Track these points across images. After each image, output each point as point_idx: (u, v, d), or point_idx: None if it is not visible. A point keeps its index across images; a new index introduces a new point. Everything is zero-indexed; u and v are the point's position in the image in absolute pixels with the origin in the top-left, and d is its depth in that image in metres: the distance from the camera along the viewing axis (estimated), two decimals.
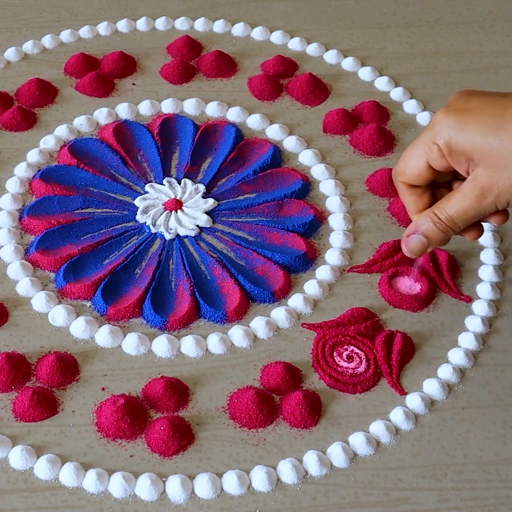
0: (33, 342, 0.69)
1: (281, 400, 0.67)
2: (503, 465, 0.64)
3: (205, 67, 0.90)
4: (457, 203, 0.62)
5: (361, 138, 0.84)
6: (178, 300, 0.72)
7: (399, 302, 0.73)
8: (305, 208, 0.79)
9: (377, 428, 0.65)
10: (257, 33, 0.95)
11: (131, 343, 0.69)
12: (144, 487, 0.61)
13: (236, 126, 0.85)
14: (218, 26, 0.95)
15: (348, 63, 0.92)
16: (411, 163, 0.64)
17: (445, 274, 0.74)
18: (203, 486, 0.62)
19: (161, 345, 0.69)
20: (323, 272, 0.75)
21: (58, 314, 0.70)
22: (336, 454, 0.64)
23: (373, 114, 0.87)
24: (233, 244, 0.76)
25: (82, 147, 0.82)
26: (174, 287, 0.73)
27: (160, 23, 0.95)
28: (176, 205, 0.78)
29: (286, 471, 0.63)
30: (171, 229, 0.77)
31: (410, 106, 0.88)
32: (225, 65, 0.90)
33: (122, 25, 0.94)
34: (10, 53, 0.91)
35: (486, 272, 0.75)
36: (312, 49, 0.93)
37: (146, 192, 0.79)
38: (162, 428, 0.63)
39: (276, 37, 0.94)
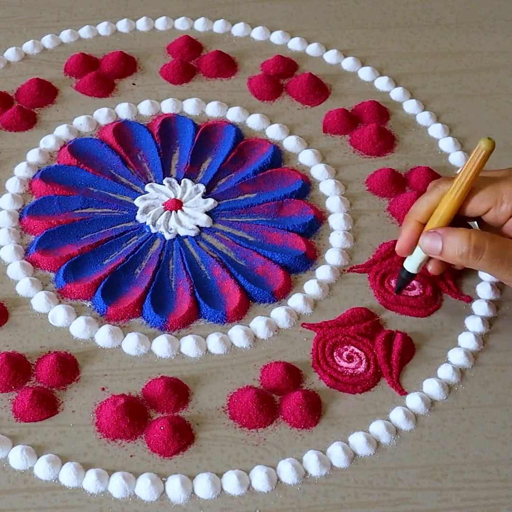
0: (33, 342, 0.69)
1: (281, 400, 0.67)
2: (503, 465, 0.64)
3: (205, 67, 0.90)
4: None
5: (361, 138, 0.84)
6: (178, 300, 0.72)
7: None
8: (305, 208, 0.79)
9: (377, 428, 0.65)
10: (257, 33, 0.94)
11: (131, 343, 0.69)
12: (144, 487, 0.61)
13: (236, 126, 0.85)
14: (218, 26, 0.95)
15: (348, 63, 0.92)
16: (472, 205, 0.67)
17: (445, 274, 0.74)
18: (203, 486, 0.62)
19: (161, 345, 0.69)
20: (323, 272, 0.75)
21: (58, 314, 0.70)
22: (336, 454, 0.64)
23: (373, 114, 0.86)
24: (233, 244, 0.76)
25: (82, 147, 0.82)
26: (174, 287, 0.73)
27: (160, 23, 0.95)
28: (176, 205, 0.78)
29: (286, 471, 0.63)
30: (171, 229, 0.77)
31: (410, 106, 0.88)
32: (225, 65, 0.90)
33: (122, 25, 0.94)
34: (10, 53, 0.91)
35: None
36: (312, 49, 0.93)
37: (146, 192, 0.79)
38: (162, 428, 0.63)
39: (276, 37, 0.94)
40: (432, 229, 0.67)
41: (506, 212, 0.66)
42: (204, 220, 0.77)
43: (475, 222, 0.70)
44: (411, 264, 0.70)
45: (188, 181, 0.80)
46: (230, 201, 0.79)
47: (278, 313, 0.71)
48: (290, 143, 0.84)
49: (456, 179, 0.66)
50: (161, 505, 0.61)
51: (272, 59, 0.91)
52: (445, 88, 0.91)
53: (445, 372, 0.69)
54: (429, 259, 0.69)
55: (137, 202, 0.78)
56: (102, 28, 0.94)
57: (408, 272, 0.70)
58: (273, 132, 0.85)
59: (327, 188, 0.81)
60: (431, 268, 0.71)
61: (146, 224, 0.77)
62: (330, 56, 0.93)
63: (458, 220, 0.68)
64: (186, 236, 0.77)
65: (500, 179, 0.67)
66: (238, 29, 0.95)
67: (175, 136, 0.84)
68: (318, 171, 0.82)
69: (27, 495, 0.61)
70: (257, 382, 0.68)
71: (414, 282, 0.74)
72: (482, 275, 0.75)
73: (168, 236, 0.76)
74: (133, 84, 0.89)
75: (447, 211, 0.67)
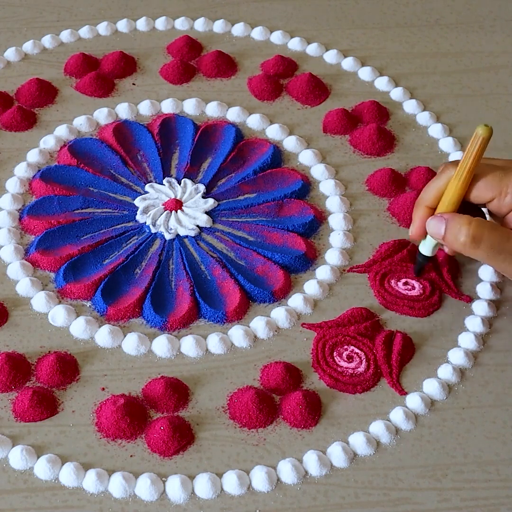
0: (33, 342, 0.69)
1: (281, 400, 0.66)
2: (503, 465, 0.64)
3: (205, 67, 0.90)
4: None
5: (361, 138, 0.84)
6: (178, 300, 0.72)
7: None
8: (305, 208, 0.79)
9: (377, 428, 0.65)
10: (257, 33, 0.95)
11: (131, 343, 0.69)
12: (144, 487, 0.61)
13: (236, 126, 0.85)
14: (218, 26, 0.95)
15: (348, 63, 0.92)
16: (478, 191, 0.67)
17: (445, 274, 0.74)
18: (203, 486, 0.62)
19: (161, 345, 0.69)
20: (323, 272, 0.75)
21: (58, 314, 0.70)
22: (336, 454, 0.64)
23: (373, 114, 0.87)
24: (233, 244, 0.76)
25: (82, 147, 0.82)
26: (174, 287, 0.73)
27: (160, 23, 0.95)
28: (176, 205, 0.78)
29: (286, 471, 0.63)
30: (171, 229, 0.77)
31: (410, 106, 0.88)
32: (225, 65, 0.90)
33: (122, 25, 0.94)
34: (10, 53, 0.91)
35: (486, 272, 0.75)
36: (312, 49, 0.93)
37: (146, 192, 0.79)
38: (162, 428, 0.63)
39: (276, 37, 0.94)
40: (439, 214, 0.67)
41: (510, 203, 0.66)
42: (204, 220, 0.77)
43: (486, 209, 0.70)
44: (425, 248, 0.71)
45: (188, 181, 0.80)
46: (230, 201, 0.79)
47: (278, 313, 0.71)
48: (290, 143, 0.84)
49: (459, 165, 0.66)
50: (161, 505, 0.61)
51: (272, 59, 0.91)
52: (445, 88, 0.91)
53: (445, 372, 0.69)
54: None
55: (137, 202, 0.78)
56: (102, 28, 0.94)
57: (424, 256, 0.71)
58: (273, 132, 0.85)
59: (327, 188, 0.81)
60: (447, 249, 0.71)
61: (146, 224, 0.77)
62: (330, 56, 0.93)
63: (471, 206, 0.69)
64: (186, 236, 0.77)
65: (508, 169, 0.67)
66: (238, 29, 0.95)
67: (175, 136, 0.84)
68: (318, 171, 0.82)
69: (27, 495, 0.61)
70: (257, 382, 0.68)
71: (414, 282, 0.74)
72: (482, 275, 0.75)
73: (168, 236, 0.76)
74: (133, 84, 0.89)
75: (453, 196, 0.67)
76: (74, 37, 0.93)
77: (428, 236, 0.70)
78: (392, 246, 0.76)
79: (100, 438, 0.64)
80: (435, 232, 0.67)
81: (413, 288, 0.73)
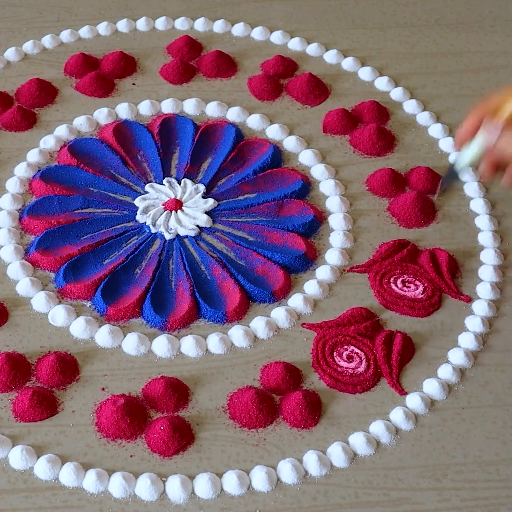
0: (33, 342, 0.69)
1: (281, 400, 0.66)
2: (503, 465, 0.64)
3: (205, 67, 0.90)
4: None
5: (361, 138, 0.84)
6: (178, 300, 0.72)
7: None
8: (305, 208, 0.79)
9: (377, 428, 0.65)
10: (257, 33, 0.95)
11: (131, 343, 0.69)
12: (144, 487, 0.61)
13: (236, 126, 0.85)
14: (218, 26, 0.95)
15: (348, 63, 0.92)
16: None
17: (445, 274, 0.74)
18: (203, 486, 0.62)
19: (161, 345, 0.69)
20: (323, 272, 0.75)
21: (58, 314, 0.70)
22: (336, 454, 0.64)
23: (373, 114, 0.87)
24: (233, 244, 0.76)
25: (82, 147, 0.82)
26: (174, 287, 0.73)
27: (160, 23, 0.95)
28: (176, 205, 0.78)
29: (286, 471, 0.63)
30: (171, 229, 0.77)
31: (410, 106, 0.88)
32: (225, 65, 0.90)
33: (122, 25, 0.94)
34: (10, 53, 0.91)
35: (486, 272, 0.75)
36: (312, 49, 0.93)
37: (146, 192, 0.79)
38: (162, 428, 0.63)
39: (276, 37, 0.94)
40: (496, 121, 0.67)
41: None
42: (204, 220, 0.77)
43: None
44: (463, 158, 0.70)
45: (188, 181, 0.80)
46: (230, 201, 0.79)
47: (278, 313, 0.71)
48: (290, 143, 0.84)
49: None
50: (161, 505, 0.61)
51: (272, 59, 0.91)
52: (445, 88, 0.91)
53: (445, 372, 0.69)
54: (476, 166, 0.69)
55: (137, 202, 0.78)
56: (102, 28, 0.94)
57: (455, 171, 0.71)
58: (273, 132, 0.85)
59: (327, 188, 0.81)
60: (482, 168, 0.70)
61: (146, 224, 0.77)
62: (330, 56, 0.93)
63: None
64: (186, 236, 0.77)
65: None
66: (238, 29, 0.95)
67: (175, 136, 0.84)
68: (318, 171, 0.82)
69: (27, 495, 0.61)
70: (257, 382, 0.68)
71: (417, 282, 0.74)
72: (482, 275, 0.75)
73: (168, 236, 0.76)
74: (133, 84, 0.89)
75: None
76: (74, 37, 0.93)
77: (470, 148, 0.69)
78: (392, 246, 0.76)
79: (100, 438, 0.64)
80: (489, 137, 0.67)
81: (417, 288, 0.73)
